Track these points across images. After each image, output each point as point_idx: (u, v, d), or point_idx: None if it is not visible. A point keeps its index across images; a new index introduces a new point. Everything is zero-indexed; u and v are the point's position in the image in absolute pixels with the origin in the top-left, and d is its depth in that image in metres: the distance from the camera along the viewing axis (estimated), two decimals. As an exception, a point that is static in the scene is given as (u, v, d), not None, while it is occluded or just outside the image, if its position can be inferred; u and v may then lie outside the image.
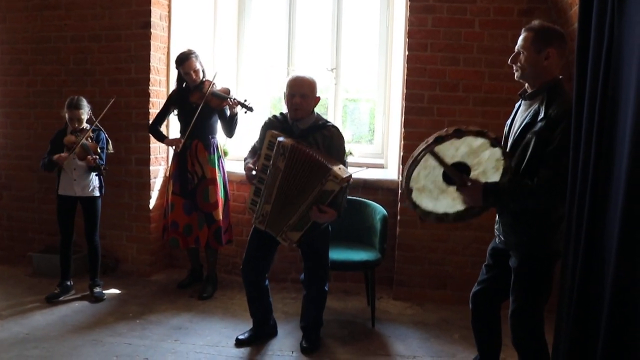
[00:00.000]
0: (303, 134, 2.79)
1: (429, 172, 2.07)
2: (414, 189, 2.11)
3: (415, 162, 2.04)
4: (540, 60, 2.08)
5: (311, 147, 2.72)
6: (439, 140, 1.99)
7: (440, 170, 2.07)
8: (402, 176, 2.12)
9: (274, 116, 2.94)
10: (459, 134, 1.98)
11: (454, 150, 2.02)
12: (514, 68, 2.17)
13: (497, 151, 2.04)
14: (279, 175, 2.67)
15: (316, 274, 2.96)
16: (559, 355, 1.83)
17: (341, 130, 2.93)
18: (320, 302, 3.01)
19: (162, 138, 3.86)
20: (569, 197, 1.81)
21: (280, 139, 2.65)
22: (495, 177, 2.09)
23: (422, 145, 2.04)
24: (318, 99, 2.85)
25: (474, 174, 2.09)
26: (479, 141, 2.01)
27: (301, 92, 2.74)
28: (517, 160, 2.10)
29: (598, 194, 1.62)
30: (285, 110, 2.88)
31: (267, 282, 3.05)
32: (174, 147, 3.78)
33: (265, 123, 2.93)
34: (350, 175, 2.67)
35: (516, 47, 2.15)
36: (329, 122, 2.88)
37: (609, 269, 1.51)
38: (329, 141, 2.79)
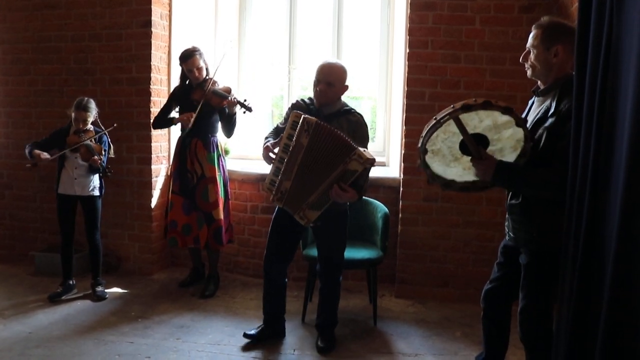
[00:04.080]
0: (328, 118, 2.75)
1: (447, 137, 2.04)
2: (429, 151, 2.09)
3: (438, 124, 2.00)
4: (549, 58, 2.07)
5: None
6: (466, 108, 1.95)
7: (458, 138, 2.04)
8: (421, 135, 2.10)
9: (302, 99, 2.91)
10: (487, 106, 1.94)
11: (478, 121, 1.99)
12: (525, 66, 2.16)
13: (520, 132, 2.01)
14: (302, 152, 2.62)
15: (329, 262, 2.93)
16: (559, 353, 1.83)
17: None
18: (333, 296, 2.99)
19: (170, 122, 3.84)
20: (569, 194, 1.81)
21: (305, 116, 2.64)
22: (511, 157, 2.08)
23: (448, 110, 2.00)
24: (346, 87, 2.83)
25: (491, 149, 2.07)
26: (505, 118, 1.97)
27: (327, 80, 2.74)
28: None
29: (598, 190, 1.62)
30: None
31: (286, 279, 3.03)
32: (185, 123, 3.67)
33: (292, 104, 2.92)
34: (374, 159, 2.63)
35: (527, 45, 2.14)
36: (354, 109, 2.86)
37: (608, 265, 1.51)
38: (354, 126, 2.78)
